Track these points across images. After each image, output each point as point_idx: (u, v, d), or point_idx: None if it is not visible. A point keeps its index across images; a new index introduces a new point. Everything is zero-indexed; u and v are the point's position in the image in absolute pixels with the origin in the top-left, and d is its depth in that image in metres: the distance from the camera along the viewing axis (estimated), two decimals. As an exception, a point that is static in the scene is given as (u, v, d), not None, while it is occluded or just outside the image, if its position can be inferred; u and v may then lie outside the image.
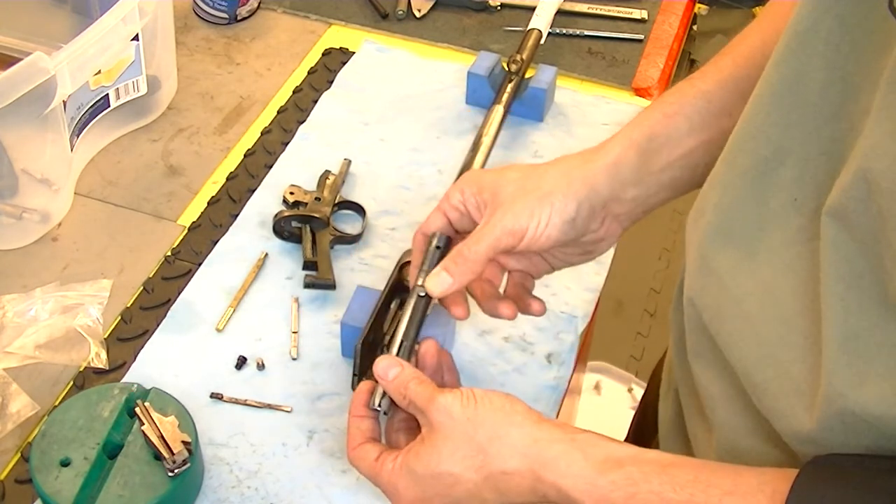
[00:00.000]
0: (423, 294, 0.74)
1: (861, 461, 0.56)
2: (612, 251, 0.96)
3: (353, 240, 0.96)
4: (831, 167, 0.56)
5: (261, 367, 0.85)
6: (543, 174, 0.73)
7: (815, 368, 0.57)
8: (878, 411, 0.54)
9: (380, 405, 0.69)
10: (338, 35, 1.23)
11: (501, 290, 0.79)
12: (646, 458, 0.61)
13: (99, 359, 0.85)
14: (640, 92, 1.17)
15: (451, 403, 0.65)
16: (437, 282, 0.72)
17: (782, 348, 0.59)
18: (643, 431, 1.04)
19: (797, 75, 0.59)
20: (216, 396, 0.82)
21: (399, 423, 0.71)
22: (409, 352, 0.73)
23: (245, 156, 1.05)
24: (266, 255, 0.94)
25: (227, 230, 0.96)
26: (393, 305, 0.82)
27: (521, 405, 0.66)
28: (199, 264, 0.93)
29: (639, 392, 2.05)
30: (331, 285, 0.90)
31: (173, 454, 0.71)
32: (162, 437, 0.72)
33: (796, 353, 0.59)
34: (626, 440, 1.09)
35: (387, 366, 0.69)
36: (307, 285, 0.90)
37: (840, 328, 0.55)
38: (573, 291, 0.92)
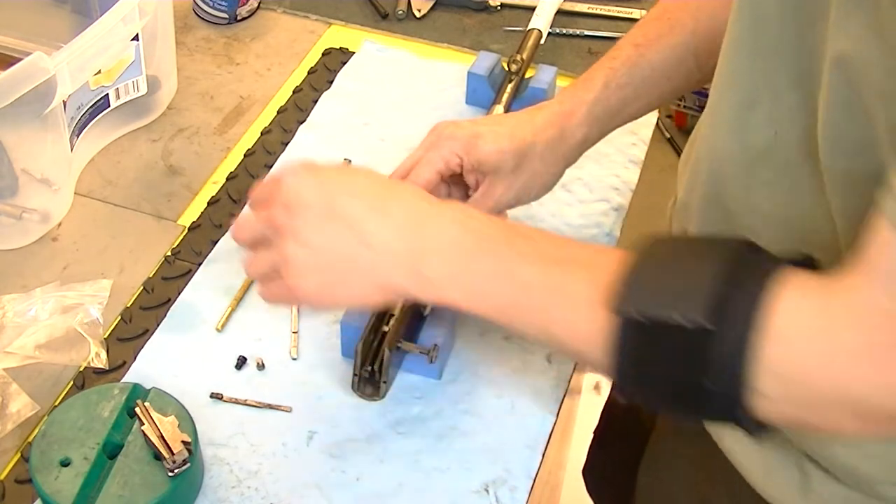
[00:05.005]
0: None
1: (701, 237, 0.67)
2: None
3: (353, 240, 0.96)
4: (801, 98, 0.61)
5: (261, 367, 0.85)
6: (533, 156, 0.84)
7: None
8: None
9: None
10: (338, 35, 1.23)
11: None
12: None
13: (99, 359, 0.85)
14: (640, 92, 1.17)
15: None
16: None
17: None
18: None
19: (753, 20, 0.64)
20: (216, 396, 0.82)
21: None
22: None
23: (245, 156, 1.05)
24: (266, 255, 0.94)
25: (227, 230, 0.96)
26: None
27: None
28: (199, 264, 0.93)
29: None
30: (331, 285, 0.90)
31: (173, 454, 0.71)
32: (162, 437, 0.72)
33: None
34: None
35: None
36: (307, 285, 0.90)
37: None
38: (573, 291, 0.92)
